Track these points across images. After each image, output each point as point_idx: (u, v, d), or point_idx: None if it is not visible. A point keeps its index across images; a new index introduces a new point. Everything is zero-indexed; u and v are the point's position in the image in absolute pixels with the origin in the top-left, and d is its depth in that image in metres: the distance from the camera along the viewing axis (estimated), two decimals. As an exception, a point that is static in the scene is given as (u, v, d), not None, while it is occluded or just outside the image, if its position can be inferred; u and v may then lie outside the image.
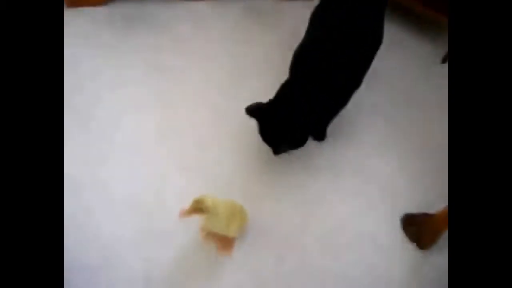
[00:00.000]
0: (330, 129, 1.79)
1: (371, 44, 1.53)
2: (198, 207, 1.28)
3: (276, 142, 1.53)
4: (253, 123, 1.80)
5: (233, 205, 1.43)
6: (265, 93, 1.63)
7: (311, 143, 1.77)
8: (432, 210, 1.56)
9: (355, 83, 1.54)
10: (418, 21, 2.22)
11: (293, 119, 1.48)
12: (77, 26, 2.08)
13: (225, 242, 1.50)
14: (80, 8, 2.11)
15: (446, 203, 1.44)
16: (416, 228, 1.55)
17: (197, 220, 1.54)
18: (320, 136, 1.78)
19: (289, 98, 1.49)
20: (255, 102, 1.53)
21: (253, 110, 1.52)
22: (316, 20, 1.58)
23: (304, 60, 1.53)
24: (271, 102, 1.52)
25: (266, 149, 1.72)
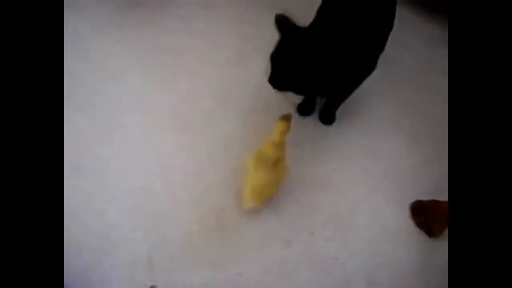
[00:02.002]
0: (338, 114, 1.76)
1: (383, 27, 1.50)
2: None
3: (283, 67, 1.39)
4: (259, 104, 1.78)
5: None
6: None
7: (319, 127, 1.75)
8: (442, 196, 1.52)
9: (368, 67, 1.50)
10: (427, 4, 2.17)
11: (314, 59, 1.35)
12: (80, 3, 2.03)
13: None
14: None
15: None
16: (425, 216, 1.53)
17: (203, 202, 1.52)
18: (329, 119, 1.75)
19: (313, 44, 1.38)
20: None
21: (284, 23, 1.39)
22: (327, 4, 1.53)
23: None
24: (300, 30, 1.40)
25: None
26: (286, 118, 1.44)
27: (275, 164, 1.45)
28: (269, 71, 1.42)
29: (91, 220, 1.51)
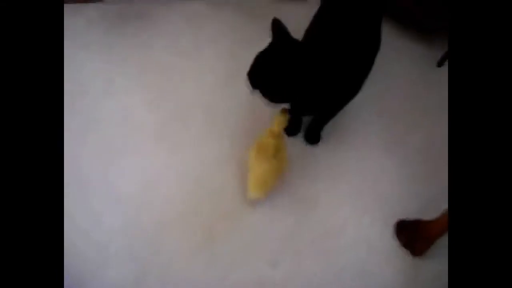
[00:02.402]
0: (326, 132, 1.78)
1: (369, 51, 1.52)
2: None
3: (264, 68, 1.39)
4: (247, 124, 1.80)
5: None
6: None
7: (307, 147, 1.77)
8: (427, 216, 1.55)
9: (354, 90, 1.53)
10: (412, 25, 2.22)
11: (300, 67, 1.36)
12: (70, 23, 2.04)
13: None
14: (73, 5, 2.07)
15: (442, 209, 1.45)
16: (409, 234, 1.55)
17: (191, 220, 1.53)
18: (314, 139, 1.77)
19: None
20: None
21: (280, 28, 1.39)
22: (313, 28, 1.56)
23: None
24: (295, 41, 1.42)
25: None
26: (284, 112, 1.54)
27: (275, 155, 1.54)
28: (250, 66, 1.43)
29: (78, 239, 1.52)
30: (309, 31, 1.55)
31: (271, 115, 1.65)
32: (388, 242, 1.58)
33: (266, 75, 1.38)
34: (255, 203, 1.60)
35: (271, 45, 1.41)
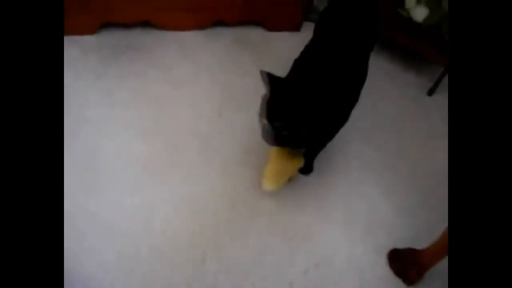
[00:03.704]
0: (317, 161, 1.79)
1: (356, 83, 1.56)
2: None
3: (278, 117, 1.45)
4: (241, 154, 1.82)
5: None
6: (255, 123, 1.63)
7: (298, 177, 1.78)
8: (419, 245, 1.56)
9: (340, 121, 1.55)
10: (403, 53, 2.27)
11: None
12: (65, 53, 2.06)
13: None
14: (69, 37, 2.11)
15: (434, 237, 1.46)
16: (403, 263, 1.56)
17: (182, 253, 1.53)
18: (306, 170, 1.78)
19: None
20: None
21: (271, 77, 1.44)
22: (302, 60, 1.59)
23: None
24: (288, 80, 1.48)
25: (253, 183, 1.72)
26: None
27: (294, 154, 1.62)
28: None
29: (72, 268, 1.50)
30: (297, 64, 1.59)
31: (265, 145, 1.67)
32: (381, 271, 1.58)
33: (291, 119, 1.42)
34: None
35: (272, 92, 1.46)
